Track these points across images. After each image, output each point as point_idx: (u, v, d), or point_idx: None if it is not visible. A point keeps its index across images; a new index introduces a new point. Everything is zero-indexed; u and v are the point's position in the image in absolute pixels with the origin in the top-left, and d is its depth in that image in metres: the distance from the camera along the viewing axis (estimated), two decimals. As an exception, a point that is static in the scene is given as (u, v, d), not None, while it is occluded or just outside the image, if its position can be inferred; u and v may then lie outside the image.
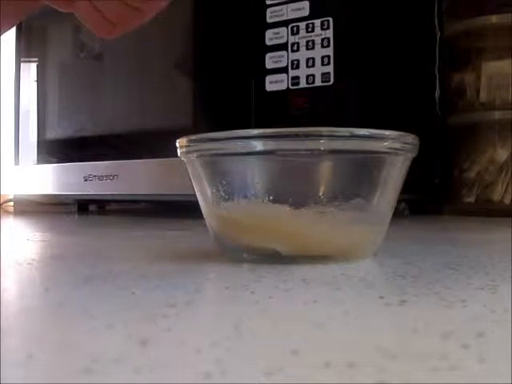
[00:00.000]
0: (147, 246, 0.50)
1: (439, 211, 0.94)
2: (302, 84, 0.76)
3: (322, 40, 0.75)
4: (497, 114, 0.93)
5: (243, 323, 0.21)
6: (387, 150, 0.36)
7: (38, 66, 1.16)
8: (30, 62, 1.18)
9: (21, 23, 1.12)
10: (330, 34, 0.75)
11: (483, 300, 0.26)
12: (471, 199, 0.94)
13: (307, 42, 0.76)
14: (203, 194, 0.38)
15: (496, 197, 0.92)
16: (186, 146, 0.38)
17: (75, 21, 0.43)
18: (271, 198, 0.35)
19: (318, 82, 0.75)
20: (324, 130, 0.35)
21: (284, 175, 0.37)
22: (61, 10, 0.44)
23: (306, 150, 0.35)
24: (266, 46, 0.79)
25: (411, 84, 0.90)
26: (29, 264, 0.38)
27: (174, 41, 0.91)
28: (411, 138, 0.37)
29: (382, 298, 0.27)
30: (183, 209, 0.95)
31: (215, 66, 0.84)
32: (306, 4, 0.76)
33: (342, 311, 0.24)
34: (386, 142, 0.35)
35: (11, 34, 1.17)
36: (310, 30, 0.76)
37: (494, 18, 0.92)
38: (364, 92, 0.78)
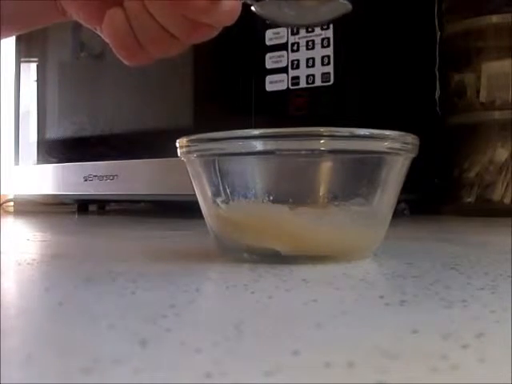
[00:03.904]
0: (147, 246, 0.50)
1: (439, 211, 0.94)
2: (302, 84, 0.76)
3: (322, 40, 0.75)
4: (497, 114, 0.92)
5: (243, 323, 0.21)
6: (387, 150, 0.36)
7: (37, 65, 1.16)
8: (29, 61, 1.18)
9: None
10: (329, 34, 0.75)
11: (483, 300, 0.26)
12: (471, 199, 0.94)
13: (307, 42, 0.76)
14: (203, 193, 0.38)
15: (496, 197, 0.92)
16: (186, 146, 0.38)
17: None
18: (271, 198, 0.35)
19: (318, 82, 0.75)
20: (324, 129, 0.35)
21: (284, 175, 0.37)
22: (88, 26, 0.40)
23: (306, 150, 0.35)
24: (266, 46, 0.79)
25: (411, 84, 0.90)
26: (29, 264, 0.38)
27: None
28: (411, 138, 0.37)
29: (382, 297, 0.27)
30: (183, 209, 0.95)
31: (215, 65, 0.84)
32: (306, 4, 0.76)
33: (342, 311, 0.24)
34: (386, 142, 0.35)
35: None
36: (310, 29, 0.76)
37: (494, 18, 0.92)
38: (364, 92, 0.78)
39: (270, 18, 0.38)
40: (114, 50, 0.38)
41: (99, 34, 0.40)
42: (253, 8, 0.37)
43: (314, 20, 0.40)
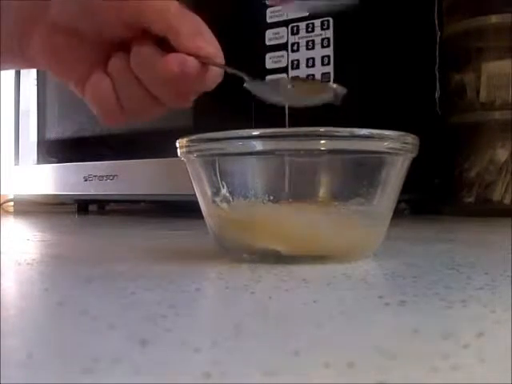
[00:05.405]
0: (147, 246, 0.50)
1: (439, 211, 0.94)
2: (302, 84, 0.76)
3: (322, 40, 0.75)
4: (497, 114, 0.92)
5: (243, 323, 0.21)
6: (387, 150, 0.36)
7: (38, 65, 1.16)
8: (30, 61, 1.17)
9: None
10: (329, 34, 0.75)
11: (483, 300, 0.26)
12: (471, 199, 0.94)
13: (307, 42, 0.76)
14: (203, 193, 0.38)
15: (496, 197, 0.91)
16: (186, 146, 0.38)
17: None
18: (271, 197, 0.35)
19: (318, 82, 0.75)
20: (324, 129, 0.35)
21: (284, 175, 0.37)
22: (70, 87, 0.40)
23: (306, 150, 0.35)
24: (266, 46, 0.79)
25: (411, 84, 0.90)
26: (29, 264, 0.38)
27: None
28: (411, 138, 0.37)
29: (381, 297, 0.27)
30: (183, 209, 0.95)
31: (215, 65, 0.84)
32: (306, 4, 0.76)
33: (342, 311, 0.24)
34: (386, 142, 0.35)
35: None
36: (309, 30, 0.76)
37: (493, 18, 0.92)
38: (364, 92, 0.78)
39: (259, 95, 0.40)
40: (95, 113, 0.39)
41: (72, 89, 0.40)
42: (245, 85, 0.40)
43: (304, 103, 0.41)
